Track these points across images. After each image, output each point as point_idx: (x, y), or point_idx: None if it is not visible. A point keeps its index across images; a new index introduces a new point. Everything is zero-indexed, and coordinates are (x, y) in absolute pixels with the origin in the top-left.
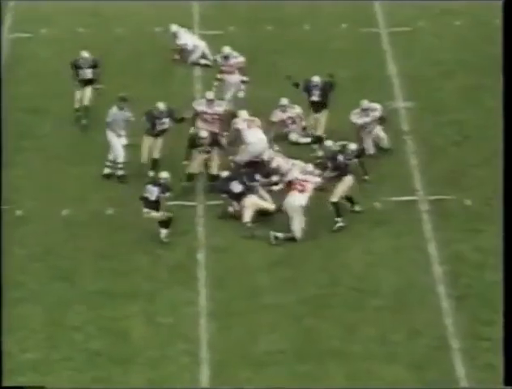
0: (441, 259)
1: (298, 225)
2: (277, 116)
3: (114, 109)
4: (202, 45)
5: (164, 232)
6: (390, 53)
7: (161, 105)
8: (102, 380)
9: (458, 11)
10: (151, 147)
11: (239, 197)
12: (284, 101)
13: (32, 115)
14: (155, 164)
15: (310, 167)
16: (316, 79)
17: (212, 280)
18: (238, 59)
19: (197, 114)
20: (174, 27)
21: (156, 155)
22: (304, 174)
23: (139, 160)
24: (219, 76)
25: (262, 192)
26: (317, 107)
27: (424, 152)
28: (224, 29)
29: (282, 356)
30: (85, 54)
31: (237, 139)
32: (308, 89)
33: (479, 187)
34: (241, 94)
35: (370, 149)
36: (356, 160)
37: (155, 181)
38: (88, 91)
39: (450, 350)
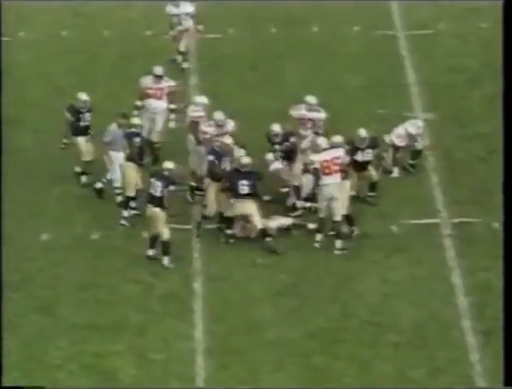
0: (466, 290)
1: (346, 202)
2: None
3: (113, 127)
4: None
5: (165, 259)
6: (408, 58)
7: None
8: None
9: (484, 11)
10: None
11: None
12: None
13: (8, 126)
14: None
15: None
16: (276, 129)
17: (210, 312)
18: (170, 83)
19: (194, 122)
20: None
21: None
22: (330, 154)
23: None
24: (139, 103)
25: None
26: (284, 156)
27: (446, 169)
28: (223, 32)
29: None
30: (84, 97)
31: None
32: (269, 139)
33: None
34: (172, 124)
35: (396, 172)
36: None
37: (159, 174)
38: (89, 143)
39: None
